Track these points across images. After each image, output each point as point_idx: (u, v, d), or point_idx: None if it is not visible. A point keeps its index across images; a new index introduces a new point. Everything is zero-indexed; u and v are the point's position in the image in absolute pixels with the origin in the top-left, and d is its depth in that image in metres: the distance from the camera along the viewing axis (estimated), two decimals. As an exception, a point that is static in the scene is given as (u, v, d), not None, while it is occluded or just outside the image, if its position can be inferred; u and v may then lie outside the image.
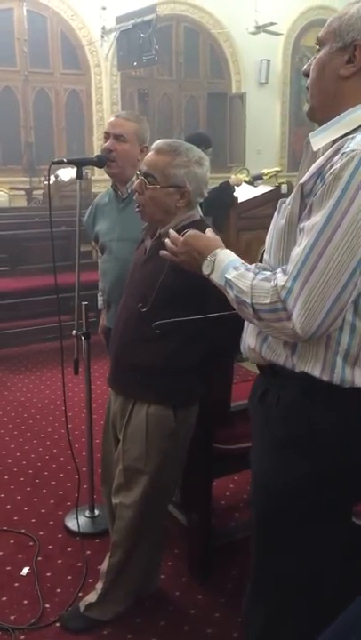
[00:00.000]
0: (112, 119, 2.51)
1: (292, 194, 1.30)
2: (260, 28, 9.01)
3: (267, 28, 9.10)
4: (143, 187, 1.91)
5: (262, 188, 4.58)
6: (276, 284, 1.24)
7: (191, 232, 1.52)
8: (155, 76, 9.76)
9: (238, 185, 4.43)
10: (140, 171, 1.95)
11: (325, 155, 1.25)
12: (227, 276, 1.36)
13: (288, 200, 1.32)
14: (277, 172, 4.69)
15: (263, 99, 10.22)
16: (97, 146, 9.37)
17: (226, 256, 1.42)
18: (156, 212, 1.94)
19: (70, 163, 2.44)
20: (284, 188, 4.45)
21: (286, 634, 1.47)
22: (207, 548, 2.39)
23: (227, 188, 4.30)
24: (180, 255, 1.51)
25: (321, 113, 1.35)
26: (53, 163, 2.36)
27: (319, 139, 1.32)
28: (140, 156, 2.46)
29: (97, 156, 2.50)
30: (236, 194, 4.42)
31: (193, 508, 2.37)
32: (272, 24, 9.06)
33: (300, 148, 10.98)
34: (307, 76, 1.40)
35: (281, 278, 1.23)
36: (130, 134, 2.46)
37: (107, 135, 2.49)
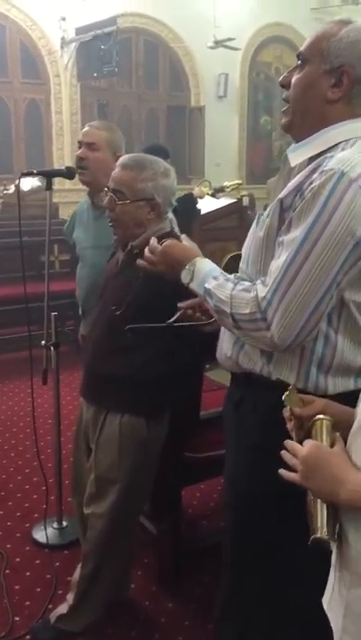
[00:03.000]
0: (85, 129, 2.54)
1: (271, 207, 1.34)
2: (218, 43, 9.14)
3: (225, 43, 9.24)
4: (113, 203, 1.94)
5: (224, 201, 4.66)
6: (256, 294, 1.28)
7: (169, 242, 1.54)
8: (115, 88, 9.79)
9: (201, 197, 4.50)
10: (108, 187, 1.98)
11: (304, 172, 1.30)
12: (206, 285, 1.39)
13: (266, 213, 1.37)
14: (239, 184, 4.77)
15: (222, 112, 10.36)
16: (57, 156, 9.35)
17: (205, 265, 1.45)
18: (129, 227, 1.97)
19: (40, 174, 2.47)
20: (245, 201, 4.54)
21: None
22: (177, 556, 2.41)
23: (190, 200, 4.36)
24: (158, 265, 1.53)
25: (300, 130, 1.39)
26: (23, 174, 2.38)
27: (296, 155, 1.37)
28: (115, 165, 2.49)
29: (66, 167, 2.53)
30: (198, 206, 4.48)
31: (163, 516, 2.39)
32: (230, 39, 9.21)
33: (258, 161, 11.17)
34: (283, 86, 1.43)
35: (261, 290, 1.27)
36: (101, 142, 2.49)
37: (79, 144, 2.52)
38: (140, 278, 1.84)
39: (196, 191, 4.59)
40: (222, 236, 4.46)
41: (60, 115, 9.36)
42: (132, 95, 10.00)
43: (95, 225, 2.60)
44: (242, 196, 4.60)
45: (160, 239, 1.64)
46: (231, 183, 4.78)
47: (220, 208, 4.52)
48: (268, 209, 1.38)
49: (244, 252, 1.47)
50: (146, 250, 1.57)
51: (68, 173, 2.48)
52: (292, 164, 1.38)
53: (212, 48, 9.25)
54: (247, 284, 1.34)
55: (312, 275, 1.22)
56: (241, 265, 1.47)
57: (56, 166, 9.03)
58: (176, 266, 1.49)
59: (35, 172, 2.43)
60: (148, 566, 2.50)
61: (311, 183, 1.24)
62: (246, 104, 10.81)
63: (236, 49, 9.53)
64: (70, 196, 8.63)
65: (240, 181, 4.67)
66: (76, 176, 2.57)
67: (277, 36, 10.86)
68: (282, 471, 1.09)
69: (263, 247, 1.36)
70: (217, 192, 4.80)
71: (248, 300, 1.30)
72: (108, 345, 1.98)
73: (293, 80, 1.40)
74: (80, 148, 2.54)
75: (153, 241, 1.60)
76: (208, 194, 4.65)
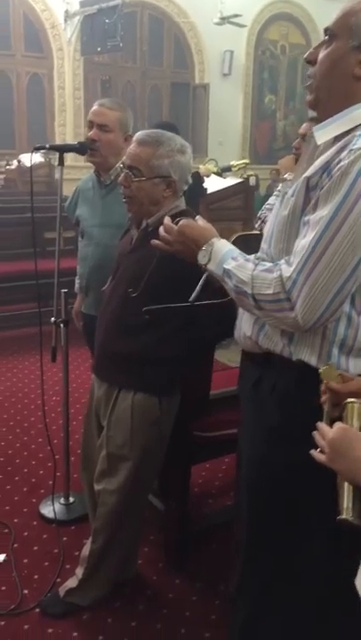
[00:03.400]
0: (95, 107, 2.50)
1: (297, 186, 1.32)
2: (224, 19, 9.02)
3: (231, 20, 9.12)
4: (129, 180, 1.92)
5: (231, 180, 4.62)
6: (279, 274, 1.27)
7: (185, 221, 1.51)
8: (118, 63, 9.67)
9: (208, 176, 4.45)
10: (123, 164, 1.95)
11: (331, 150, 1.28)
12: (225, 266, 1.38)
13: (290, 192, 1.35)
14: (246, 164, 4.73)
15: (226, 90, 10.26)
16: (58, 132, 9.28)
17: (223, 246, 1.44)
18: (144, 204, 1.94)
19: (52, 149, 2.44)
20: (252, 181, 4.51)
21: (270, 627, 1.51)
22: (184, 534, 2.43)
23: (197, 179, 4.32)
24: (174, 244, 1.51)
25: (326, 108, 1.36)
26: (36, 148, 2.35)
27: (323, 133, 1.35)
28: (124, 145, 2.47)
29: (79, 142, 2.49)
30: (205, 185, 4.44)
31: (171, 494, 2.40)
32: (237, 16, 9.09)
33: (261, 141, 11.08)
34: (309, 62, 1.40)
35: (286, 269, 1.26)
36: (114, 123, 2.46)
37: (90, 124, 2.48)
38: (156, 258, 1.82)
39: (202, 169, 4.55)
40: (228, 216, 4.42)
41: (62, 90, 9.26)
42: (135, 71, 9.89)
43: (102, 203, 2.58)
44: (249, 176, 4.56)
45: (174, 217, 1.62)
46: (238, 162, 4.74)
47: (227, 188, 4.48)
48: (292, 188, 1.36)
49: (266, 231, 1.45)
50: (161, 229, 1.55)
51: (81, 149, 2.45)
52: (318, 143, 1.35)
53: (218, 24, 9.13)
54: (268, 264, 1.33)
55: (339, 254, 1.21)
56: (262, 245, 1.46)
57: (58, 142, 8.97)
58: (192, 246, 1.47)
59: (47, 146, 2.40)
60: (155, 543, 2.52)
61: (339, 162, 1.23)
62: (251, 82, 10.70)
63: (242, 25, 9.42)
64: (73, 173, 8.54)
65: (247, 161, 4.63)
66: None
67: (284, 13, 10.73)
68: (312, 452, 1.09)
69: (287, 226, 1.35)
70: (223, 171, 4.77)
71: (271, 280, 1.29)
72: (121, 323, 1.97)
73: (320, 56, 1.37)
74: (91, 128, 2.50)
75: (167, 220, 1.57)
76: (214, 172, 4.61)
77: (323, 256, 1.22)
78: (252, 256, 1.40)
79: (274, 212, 1.42)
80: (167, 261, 1.71)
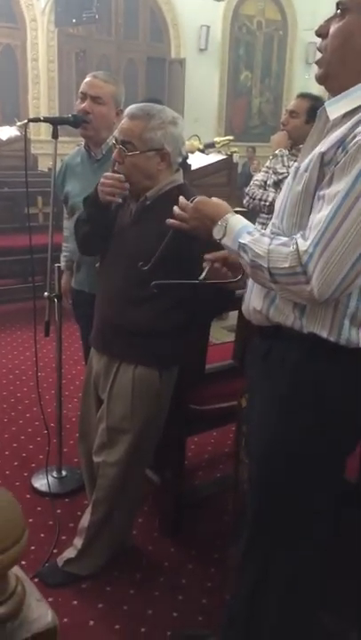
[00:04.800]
0: (88, 79, 2.47)
1: (310, 161, 1.34)
2: (202, -7, 8.93)
3: (209, -6, 9.04)
4: (123, 155, 1.91)
5: (214, 157, 4.62)
6: (296, 248, 1.29)
7: (200, 198, 1.54)
8: (94, 36, 9.51)
9: (192, 152, 4.44)
10: (116, 140, 1.95)
11: (347, 125, 1.30)
12: (241, 240, 1.40)
13: (303, 166, 1.37)
14: (230, 140, 4.74)
15: (202, 66, 10.17)
16: (32, 105, 9.11)
17: (238, 221, 1.46)
18: (140, 179, 1.95)
19: (47, 121, 2.41)
20: (235, 157, 4.51)
21: (278, 583, 1.56)
22: (179, 504, 2.47)
23: (180, 155, 4.29)
24: (190, 221, 1.54)
25: (337, 82, 1.37)
26: (30, 120, 2.33)
27: (335, 108, 1.36)
28: (116, 119, 2.45)
29: (73, 115, 2.46)
30: (188, 161, 4.42)
31: (167, 466, 2.44)
32: (214, -11, 9.00)
33: (237, 118, 11.05)
34: (320, 36, 1.40)
35: (302, 243, 1.29)
36: (107, 96, 2.44)
37: (83, 96, 2.45)
38: (169, 234, 1.81)
39: (186, 145, 4.53)
40: (211, 192, 4.38)
41: (36, 62, 9.09)
42: (111, 44, 9.74)
43: (95, 178, 2.54)
44: (232, 152, 4.57)
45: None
46: (222, 139, 4.73)
47: (211, 164, 4.48)
48: (305, 163, 1.38)
49: (277, 206, 1.48)
50: (175, 208, 1.57)
51: (75, 122, 2.42)
52: (331, 118, 1.37)
53: (195, -3, 9.02)
54: (284, 238, 1.35)
55: (355, 228, 1.23)
56: (274, 220, 1.48)
57: (31, 115, 8.80)
58: (207, 222, 1.50)
59: (42, 118, 2.38)
60: (149, 514, 2.57)
61: (355, 137, 1.25)
62: (227, 58, 10.62)
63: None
64: (48, 148, 8.47)
65: (231, 137, 4.63)
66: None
67: (261, -11, 10.64)
68: None
69: (300, 201, 1.37)
70: (207, 147, 4.76)
71: (287, 254, 1.31)
72: (124, 296, 1.97)
73: (332, 30, 1.38)
74: (83, 100, 2.47)
75: (182, 198, 1.59)
76: (199, 149, 4.60)
77: (339, 230, 1.24)
78: (267, 231, 1.42)
79: (286, 187, 1.44)
80: (180, 238, 1.71)
